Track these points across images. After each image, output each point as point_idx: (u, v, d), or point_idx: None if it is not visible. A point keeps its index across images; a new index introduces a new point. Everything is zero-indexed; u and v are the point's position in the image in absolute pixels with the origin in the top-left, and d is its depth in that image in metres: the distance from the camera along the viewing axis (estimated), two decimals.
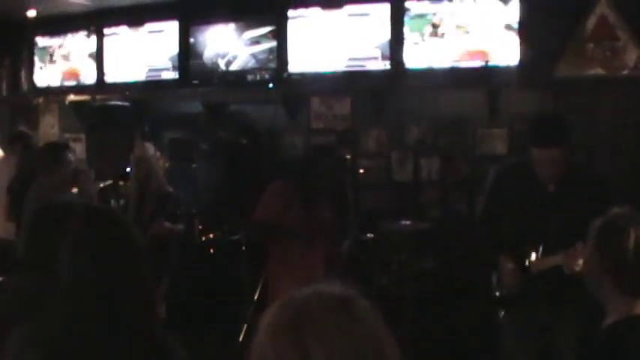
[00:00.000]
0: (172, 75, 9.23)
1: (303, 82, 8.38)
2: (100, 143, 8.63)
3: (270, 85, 8.59)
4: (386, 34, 7.86)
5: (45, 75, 10.45)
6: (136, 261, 2.43)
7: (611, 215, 2.79)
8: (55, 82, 10.35)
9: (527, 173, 4.63)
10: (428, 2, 7.60)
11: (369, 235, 7.42)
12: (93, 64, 9.93)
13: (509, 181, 4.86)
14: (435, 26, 7.56)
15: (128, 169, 7.97)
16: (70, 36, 10.17)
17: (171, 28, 9.23)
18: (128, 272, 2.37)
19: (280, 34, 8.47)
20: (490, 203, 5.01)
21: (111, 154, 8.30)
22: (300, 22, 8.32)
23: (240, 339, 6.33)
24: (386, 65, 7.88)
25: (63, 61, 10.26)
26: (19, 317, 2.48)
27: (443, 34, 7.53)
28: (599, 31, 6.94)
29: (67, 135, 10.42)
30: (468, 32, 7.42)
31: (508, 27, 7.22)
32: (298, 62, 8.36)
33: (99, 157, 8.40)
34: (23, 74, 10.82)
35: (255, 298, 6.32)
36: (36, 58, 10.55)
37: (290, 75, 8.42)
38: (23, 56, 10.77)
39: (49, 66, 10.40)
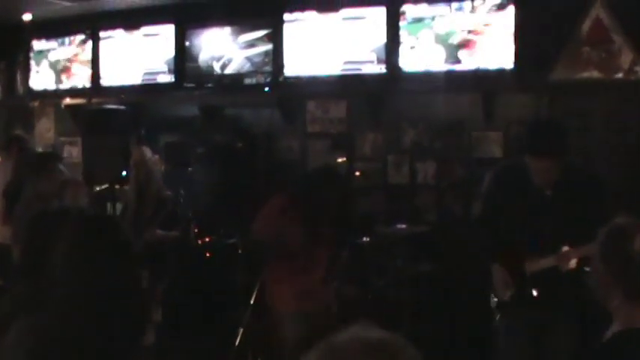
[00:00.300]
0: (168, 78, 9.23)
1: (299, 85, 8.38)
2: (96, 147, 8.59)
3: (266, 89, 8.58)
4: (382, 38, 7.86)
5: (41, 78, 10.44)
6: (129, 266, 2.43)
7: (617, 222, 2.78)
8: (51, 86, 10.34)
9: (523, 176, 4.62)
10: (425, 5, 7.61)
11: (365, 238, 7.42)
12: (89, 68, 9.92)
13: (506, 185, 4.85)
14: (429, 29, 7.56)
15: (124, 173, 7.97)
16: (65, 39, 10.16)
17: (166, 32, 9.23)
18: (122, 277, 2.38)
19: (276, 38, 8.47)
20: (487, 207, 5.01)
21: (107, 157, 8.26)
22: (296, 26, 8.31)
23: (237, 343, 6.32)
24: (382, 69, 7.88)
25: (59, 65, 10.25)
26: (18, 319, 2.50)
27: (437, 37, 7.54)
28: (595, 34, 6.94)
29: (62, 138, 10.43)
30: (462, 35, 7.43)
31: (504, 30, 7.22)
32: (294, 65, 8.35)
33: (95, 160, 8.36)
34: (19, 78, 10.80)
35: (252, 302, 6.31)
36: (32, 62, 10.53)
37: (286, 78, 8.41)
38: (19, 60, 10.76)
39: (44, 69, 10.39)
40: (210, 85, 8.98)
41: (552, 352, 4.68)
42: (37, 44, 10.45)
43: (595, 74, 6.96)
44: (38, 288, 2.60)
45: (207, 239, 8.07)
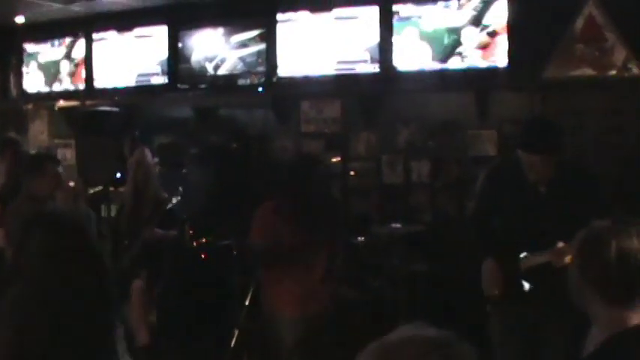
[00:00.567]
0: (162, 80, 9.22)
1: (292, 85, 8.37)
2: (90, 149, 8.60)
3: (260, 89, 8.58)
4: (375, 37, 7.86)
5: (34, 81, 10.42)
6: (96, 268, 2.43)
7: (593, 227, 2.78)
8: (44, 88, 10.32)
9: (517, 173, 4.63)
10: (417, 4, 7.60)
11: (360, 238, 7.41)
12: (82, 70, 9.91)
13: (500, 182, 4.86)
14: (422, 29, 7.56)
15: (118, 175, 7.96)
16: (58, 42, 10.14)
17: (159, 33, 9.22)
18: (89, 279, 2.37)
19: (269, 38, 8.46)
20: (481, 204, 5.01)
21: (101, 159, 8.27)
22: (289, 26, 8.31)
23: (232, 344, 6.31)
24: (375, 68, 7.87)
25: (52, 67, 10.23)
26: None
27: (430, 36, 7.54)
28: (588, 31, 6.94)
29: (56, 141, 10.42)
30: (455, 34, 7.42)
31: (496, 28, 7.22)
32: (287, 66, 8.34)
33: (89, 162, 8.36)
34: (12, 80, 10.78)
35: (247, 302, 6.29)
36: (25, 64, 10.52)
37: (279, 78, 8.40)
38: (12, 62, 10.74)
39: (37, 72, 10.37)
40: (203, 86, 8.97)
41: (545, 350, 4.68)
42: (30, 47, 10.44)
43: (588, 72, 6.96)
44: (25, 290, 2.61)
45: (202, 240, 8.05)
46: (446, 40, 7.47)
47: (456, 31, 7.42)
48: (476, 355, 1.55)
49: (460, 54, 7.40)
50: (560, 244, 4.45)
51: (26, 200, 5.86)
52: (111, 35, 9.64)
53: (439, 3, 7.49)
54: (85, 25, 9.80)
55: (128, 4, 9.14)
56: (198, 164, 8.92)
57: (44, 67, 10.29)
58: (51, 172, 6.02)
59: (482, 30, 7.30)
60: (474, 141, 7.73)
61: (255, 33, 8.57)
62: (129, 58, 9.47)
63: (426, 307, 7.15)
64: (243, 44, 8.63)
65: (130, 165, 6.95)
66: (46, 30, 10.10)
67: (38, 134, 10.68)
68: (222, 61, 8.77)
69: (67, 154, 10.11)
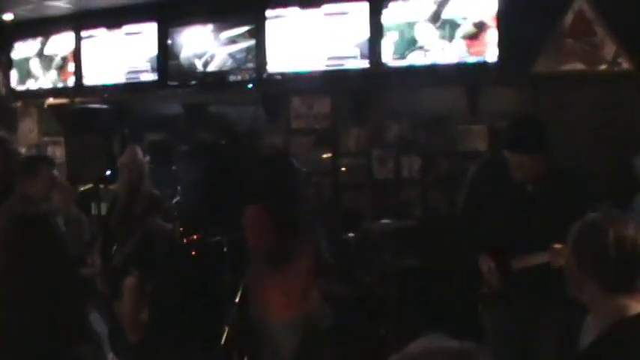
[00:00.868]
0: (151, 77, 9.20)
1: (282, 81, 8.36)
2: (80, 146, 8.57)
3: (250, 86, 8.56)
4: (365, 33, 7.84)
5: (23, 78, 10.39)
6: (62, 267, 2.41)
7: (589, 217, 2.79)
8: (34, 86, 10.29)
9: (505, 171, 4.61)
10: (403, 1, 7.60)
11: (350, 234, 7.40)
12: (71, 67, 9.88)
13: (488, 180, 4.84)
14: (411, 24, 7.55)
15: (108, 173, 7.93)
16: (47, 39, 10.10)
17: (149, 30, 9.19)
18: (55, 278, 2.35)
19: (259, 34, 8.43)
20: (469, 202, 5.00)
21: (91, 157, 8.24)
22: (279, 22, 8.29)
23: (223, 342, 6.30)
24: (365, 64, 7.86)
25: (41, 65, 10.20)
26: None
27: (421, 32, 7.53)
28: (578, 26, 6.94)
29: (46, 139, 10.38)
30: (445, 29, 7.41)
31: (486, 23, 7.21)
32: (277, 62, 8.33)
33: (79, 160, 8.33)
34: (1, 78, 10.73)
35: (237, 300, 6.28)
36: (14, 62, 10.47)
37: (269, 75, 8.39)
38: (1, 60, 10.69)
39: (27, 69, 10.34)
40: (193, 82, 8.95)
41: (536, 347, 4.68)
42: (19, 44, 10.40)
43: (579, 66, 6.96)
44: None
45: (193, 237, 8.04)
46: (436, 35, 7.46)
47: (444, 26, 7.41)
48: None
49: (450, 49, 7.39)
50: (558, 245, 4.42)
51: (20, 201, 5.83)
52: (100, 32, 9.61)
53: None
54: (74, 22, 9.77)
55: (117, 2, 9.11)
56: (188, 161, 8.90)
57: (33, 65, 10.25)
58: (45, 174, 5.98)
59: (471, 25, 7.28)
60: (464, 136, 7.73)
61: (244, 29, 8.55)
62: (118, 55, 9.44)
63: (417, 303, 7.14)
64: (233, 41, 8.61)
65: (120, 163, 6.91)
66: (35, 27, 10.07)
67: (28, 132, 10.63)
68: (212, 57, 8.75)
69: (57, 152, 10.07)
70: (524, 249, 4.55)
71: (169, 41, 9.04)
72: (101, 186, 8.31)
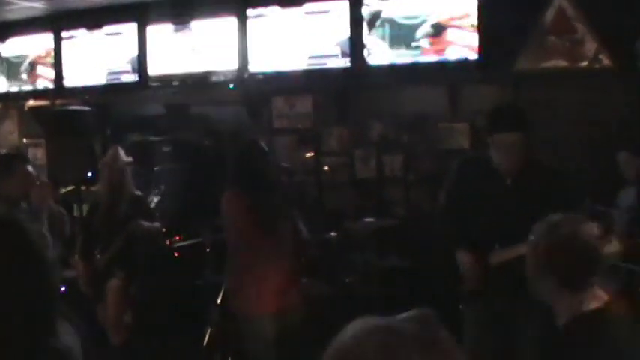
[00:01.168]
0: (132, 77, 9.15)
1: (263, 81, 8.33)
2: (61, 148, 8.50)
3: (231, 86, 8.53)
4: (346, 32, 7.83)
5: (3, 80, 10.32)
6: (37, 271, 2.37)
7: (549, 218, 2.93)
8: (14, 88, 10.22)
9: (486, 167, 4.65)
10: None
11: (333, 233, 7.39)
12: (52, 69, 9.82)
13: (469, 176, 4.87)
14: (392, 22, 7.54)
15: (90, 174, 7.88)
16: (27, 40, 10.04)
17: (129, 30, 9.15)
18: (28, 283, 2.32)
19: (240, 34, 8.41)
20: (450, 197, 5.00)
21: (72, 159, 8.17)
22: (260, 21, 8.27)
23: (205, 343, 6.28)
24: (346, 62, 7.85)
25: (21, 66, 10.13)
26: None
27: (401, 30, 7.52)
28: (558, 23, 6.96)
29: (26, 141, 10.31)
30: (426, 27, 7.40)
31: (467, 21, 7.20)
32: (258, 62, 8.30)
33: (60, 162, 8.27)
34: None
35: (219, 301, 6.26)
36: None
37: (251, 75, 8.36)
38: None
39: (6, 71, 10.27)
40: (174, 83, 8.90)
41: (516, 344, 4.67)
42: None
43: (560, 63, 6.98)
44: None
45: (175, 238, 8.00)
46: (416, 34, 7.45)
47: (425, 25, 7.40)
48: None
49: (431, 47, 7.39)
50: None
51: None
52: (80, 33, 9.55)
53: None
54: (54, 23, 9.70)
55: (97, 2, 9.06)
56: (170, 162, 8.86)
57: (13, 66, 10.19)
58: (21, 172, 5.92)
59: (452, 22, 7.28)
60: (446, 134, 7.73)
61: (225, 29, 8.51)
62: (99, 55, 9.38)
63: (400, 302, 7.12)
64: (214, 40, 8.57)
65: (102, 164, 6.87)
66: (14, 28, 10.00)
67: (8, 134, 10.57)
68: (193, 57, 8.71)
69: (38, 154, 10.00)
70: (503, 243, 4.56)
71: (150, 41, 8.99)
72: (83, 188, 8.26)
